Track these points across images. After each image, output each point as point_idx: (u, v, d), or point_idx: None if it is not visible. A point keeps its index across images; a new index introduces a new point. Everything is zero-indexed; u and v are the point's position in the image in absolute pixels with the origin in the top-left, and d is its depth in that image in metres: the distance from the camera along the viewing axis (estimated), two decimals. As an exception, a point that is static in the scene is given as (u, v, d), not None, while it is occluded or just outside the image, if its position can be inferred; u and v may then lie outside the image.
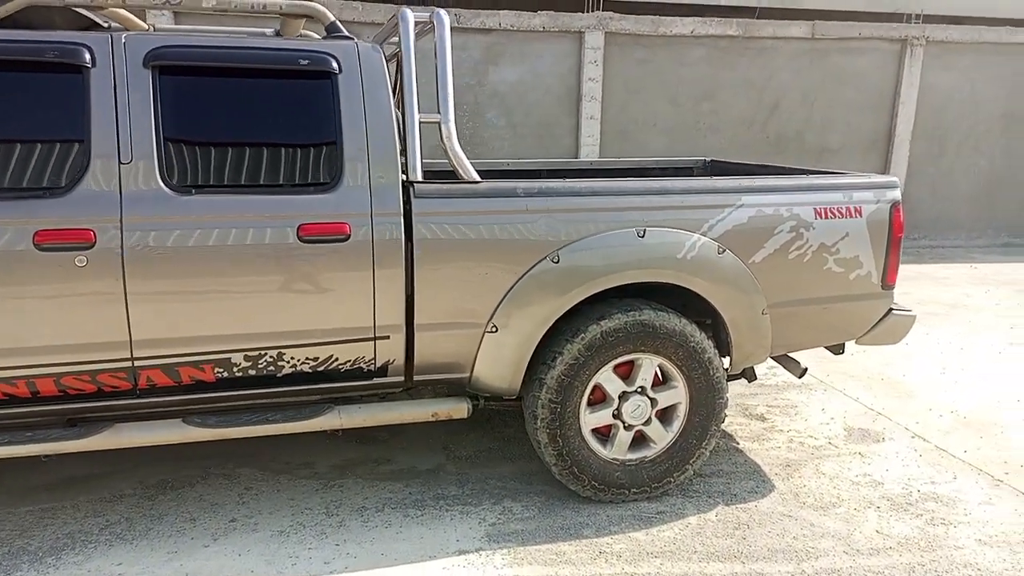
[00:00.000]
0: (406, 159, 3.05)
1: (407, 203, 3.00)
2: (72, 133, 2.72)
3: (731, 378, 3.85)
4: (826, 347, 3.88)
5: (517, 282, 3.11)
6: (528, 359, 3.20)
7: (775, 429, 4.29)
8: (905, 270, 8.78)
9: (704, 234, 3.27)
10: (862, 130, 10.18)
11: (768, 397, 4.78)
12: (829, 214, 3.44)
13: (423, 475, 3.65)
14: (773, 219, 3.36)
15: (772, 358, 3.89)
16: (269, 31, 3.63)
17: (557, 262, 3.12)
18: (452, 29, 8.60)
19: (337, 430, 3.11)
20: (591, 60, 9.12)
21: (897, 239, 3.54)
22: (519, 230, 3.09)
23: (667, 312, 3.29)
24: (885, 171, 10.26)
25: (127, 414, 3.00)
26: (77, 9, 3.21)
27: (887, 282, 3.58)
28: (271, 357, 2.97)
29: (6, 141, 2.69)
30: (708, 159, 5.19)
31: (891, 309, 3.67)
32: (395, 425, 3.77)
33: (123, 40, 2.79)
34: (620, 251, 3.17)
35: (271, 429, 3.01)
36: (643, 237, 3.19)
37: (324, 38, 3.12)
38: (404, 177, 3.04)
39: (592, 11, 9.11)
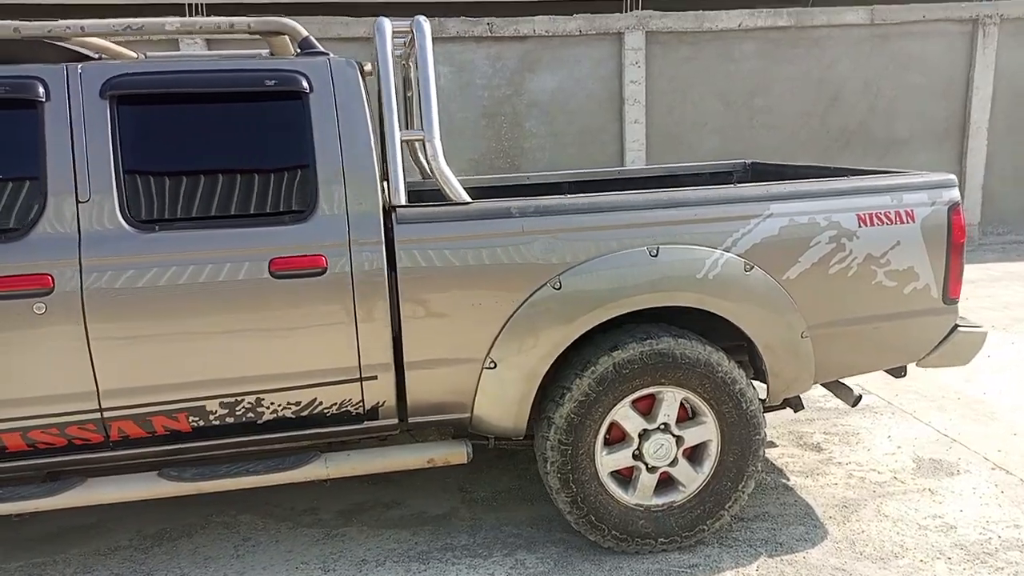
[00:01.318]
0: (387, 182, 2.78)
1: (389, 230, 2.73)
2: (26, 171, 2.55)
3: (771, 409, 3.44)
4: (885, 371, 3.44)
5: (515, 312, 2.79)
6: (532, 396, 2.88)
7: (832, 461, 3.84)
8: (989, 269, 8.07)
9: (728, 249, 2.89)
10: (933, 118, 9.46)
11: (826, 423, 4.32)
12: (875, 220, 3.01)
13: (433, 521, 3.36)
14: (809, 229, 2.95)
15: (822, 385, 3.47)
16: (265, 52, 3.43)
17: (559, 288, 2.79)
18: (484, 39, 8.41)
19: (324, 480, 2.85)
20: (632, 62, 8.74)
21: (958, 245, 3.08)
22: (515, 254, 2.78)
23: (689, 339, 2.92)
24: (962, 161, 9.51)
25: (105, 467, 2.81)
26: (61, 44, 3.07)
27: (949, 295, 3.12)
28: (249, 403, 2.73)
29: (-41, 184, 2.54)
30: (749, 162, 4.77)
31: (956, 325, 3.20)
32: None
33: (79, 71, 2.61)
34: (630, 273, 2.82)
35: (251, 481, 2.77)
36: (656, 256, 2.84)
37: (297, 55, 2.88)
38: (386, 202, 2.78)
39: (631, 10, 8.73)
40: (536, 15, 8.52)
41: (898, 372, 3.42)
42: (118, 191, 2.58)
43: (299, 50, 2.90)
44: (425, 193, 4.21)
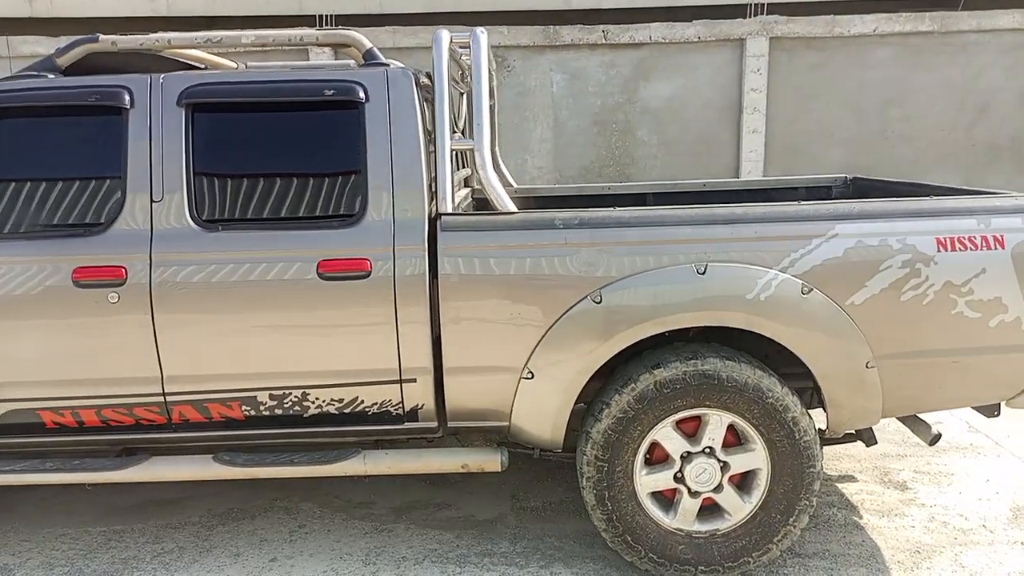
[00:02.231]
0: (435, 190, 2.84)
1: (432, 237, 2.79)
2: (111, 172, 2.81)
3: (837, 442, 3.23)
4: (974, 408, 3.14)
5: (554, 324, 2.77)
6: (569, 409, 2.85)
7: (915, 503, 3.55)
8: None
9: (784, 270, 2.74)
10: (1101, 133, 8.51)
11: (919, 460, 3.99)
12: (958, 245, 2.75)
13: (479, 526, 3.39)
14: (879, 252, 2.75)
15: (899, 419, 3.22)
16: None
17: (599, 302, 2.75)
18: (599, 46, 8.37)
19: (363, 476, 2.94)
20: (753, 69, 8.40)
21: (1057, 276, 2.76)
22: (556, 265, 2.76)
23: (738, 362, 2.79)
24: None
25: (169, 447, 3.04)
26: (167, 56, 3.36)
27: (1044, 331, 2.81)
28: (296, 397, 2.87)
29: (54, 180, 2.82)
30: (851, 177, 4.48)
31: (1054, 364, 2.87)
32: None
33: (161, 81, 2.84)
34: (674, 290, 2.73)
35: (294, 471, 2.91)
36: (703, 274, 2.73)
37: (361, 66, 3.00)
38: (432, 210, 2.84)
39: (754, 16, 8.41)
40: (652, 22, 8.38)
41: (990, 411, 3.11)
42: (188, 192, 2.79)
43: (363, 61, 3.02)
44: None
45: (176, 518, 3.52)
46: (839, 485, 3.73)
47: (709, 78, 8.57)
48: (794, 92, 8.59)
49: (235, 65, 3.83)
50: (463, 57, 3.70)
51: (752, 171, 8.55)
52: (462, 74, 4.10)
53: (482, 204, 4.37)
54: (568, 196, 4.41)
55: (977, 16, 8.32)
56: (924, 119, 8.60)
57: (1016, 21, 8.28)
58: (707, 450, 2.87)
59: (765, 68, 8.45)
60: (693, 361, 2.79)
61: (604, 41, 8.39)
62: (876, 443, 3.21)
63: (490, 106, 4.41)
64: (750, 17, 8.44)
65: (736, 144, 8.61)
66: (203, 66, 3.68)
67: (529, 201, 4.44)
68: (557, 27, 8.34)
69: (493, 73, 4.30)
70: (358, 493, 3.70)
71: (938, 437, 3.04)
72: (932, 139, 8.63)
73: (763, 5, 8.42)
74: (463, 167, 4.22)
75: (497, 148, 4.54)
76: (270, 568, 3.10)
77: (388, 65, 2.95)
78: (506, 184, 4.54)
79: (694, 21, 8.37)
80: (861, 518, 3.42)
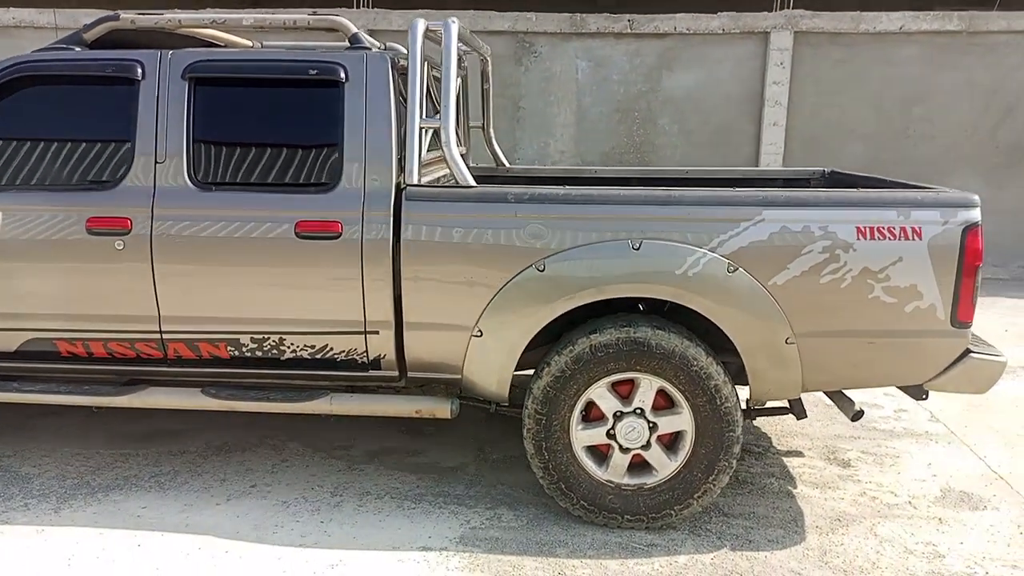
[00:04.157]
0: (403, 162, 3.16)
1: (398, 206, 3.12)
2: (123, 135, 3.20)
3: (767, 413, 3.49)
4: (901, 390, 3.36)
5: (502, 288, 3.09)
6: (513, 366, 3.17)
7: (852, 479, 3.77)
8: None
9: (712, 249, 3.00)
10: None
11: (870, 442, 4.20)
12: (877, 234, 2.98)
13: (442, 471, 3.74)
14: (801, 237, 2.99)
15: (826, 394, 3.46)
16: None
17: (543, 270, 3.05)
18: (624, 35, 8.57)
19: (335, 415, 3.31)
20: (777, 62, 8.51)
21: (971, 268, 2.97)
22: (506, 236, 3.07)
23: (668, 331, 3.07)
24: None
25: (166, 380, 3.45)
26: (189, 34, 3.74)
27: (958, 318, 3.01)
28: (274, 341, 3.25)
29: (76, 140, 3.23)
30: (828, 170, 4.66)
31: (968, 350, 3.07)
32: (440, 420, 3.86)
33: (169, 56, 3.22)
34: (609, 263, 3.02)
35: (269, 407, 3.30)
36: (638, 249, 3.01)
37: (346, 49, 3.33)
38: (401, 181, 3.16)
39: (779, 9, 8.50)
40: (678, 12, 8.54)
41: (917, 394, 3.32)
42: (187, 155, 3.18)
43: (349, 44, 3.35)
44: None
45: (176, 447, 3.95)
46: (785, 459, 3.97)
47: (732, 70, 8.70)
48: (817, 87, 8.67)
49: (250, 44, 4.20)
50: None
51: (771, 164, 8.67)
52: (460, 60, 4.42)
53: (478, 179, 4.71)
54: (556, 177, 4.69)
55: (1008, 17, 8.28)
56: (947, 119, 8.60)
57: (1048, 23, 8.20)
58: (638, 411, 3.15)
59: (788, 62, 8.55)
60: (627, 328, 3.07)
61: (629, 30, 8.58)
62: (806, 416, 3.46)
63: (484, 90, 4.74)
64: (775, 11, 8.53)
65: (756, 136, 8.74)
66: (222, 44, 4.06)
67: (521, 180, 4.74)
68: (584, 15, 8.56)
69: (488, 59, 4.59)
70: (340, 437, 4.08)
71: (860, 414, 3.27)
72: (955, 139, 8.63)
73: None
74: (460, 145, 4.55)
75: (492, 130, 4.84)
76: (249, 492, 3.50)
77: (369, 49, 3.28)
78: (499, 163, 4.86)
79: (719, 13, 8.50)
80: (796, 488, 3.66)
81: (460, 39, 3.79)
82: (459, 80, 4.39)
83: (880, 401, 4.71)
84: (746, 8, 8.54)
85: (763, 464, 3.89)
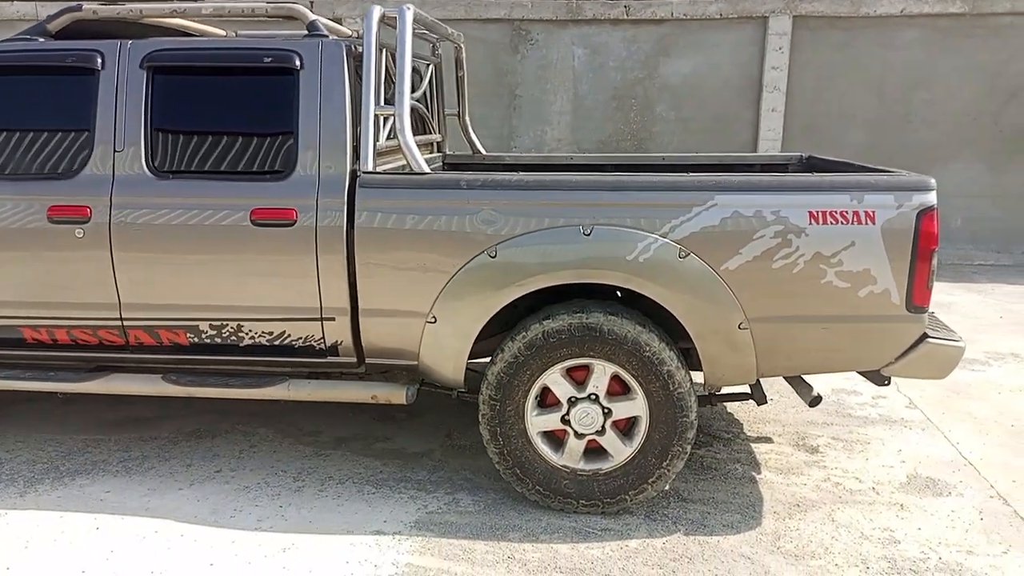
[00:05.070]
0: (358, 150, 3.17)
1: (352, 193, 3.13)
2: (82, 124, 3.24)
3: (728, 398, 3.48)
4: (862, 375, 3.34)
5: (455, 274, 3.09)
6: (467, 352, 3.18)
7: (818, 464, 3.75)
8: None
9: (664, 235, 2.99)
10: None
11: (841, 428, 4.17)
12: (829, 219, 2.95)
13: (406, 457, 3.77)
14: (753, 222, 2.97)
15: (785, 379, 3.44)
16: None
17: (494, 256, 3.05)
18: (621, 21, 8.50)
19: (294, 400, 3.34)
20: (776, 47, 8.41)
21: (926, 252, 2.93)
22: (459, 223, 3.08)
23: (621, 317, 3.06)
24: None
25: (130, 367, 3.49)
26: (158, 23, 3.76)
27: (914, 303, 2.98)
28: (232, 328, 3.28)
29: (39, 130, 3.28)
30: (806, 155, 4.61)
31: (925, 335, 3.04)
32: (412, 407, 3.87)
33: (128, 46, 3.25)
34: (559, 249, 3.02)
35: (229, 392, 3.33)
36: (589, 235, 3.00)
37: (304, 37, 3.34)
38: (354, 168, 3.17)
39: (777, -6, 8.39)
40: (674, -2, 8.47)
41: (879, 380, 3.29)
42: (145, 144, 3.21)
43: (306, 32, 3.36)
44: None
45: (148, 433, 4.01)
46: (754, 445, 3.96)
47: (730, 55, 8.62)
48: (816, 72, 8.57)
49: (224, 33, 4.22)
50: (421, 31, 4.00)
51: (770, 150, 8.59)
52: (434, 48, 4.43)
53: (453, 166, 4.72)
54: (529, 165, 4.68)
55: (1012, -2, 8.12)
56: (950, 103, 8.47)
57: (1053, 4, 8.04)
58: (592, 396, 3.15)
59: (787, 47, 8.46)
60: (579, 315, 3.07)
61: (626, 16, 8.53)
62: (767, 402, 3.44)
63: (458, 77, 4.74)
64: (773, -5, 8.43)
65: (755, 123, 8.66)
66: (197, 36, 4.08)
67: (496, 168, 4.73)
68: (580, 2, 8.51)
69: (461, 46, 4.58)
70: (310, 424, 4.12)
71: (818, 399, 3.26)
72: (957, 124, 8.50)
73: (786, -17, 8.39)
74: (432, 132, 4.56)
75: (467, 117, 4.84)
76: (213, 477, 3.55)
77: (327, 36, 3.28)
78: (475, 151, 4.86)
79: (715, -2, 8.42)
80: (760, 474, 3.65)
81: (424, 26, 3.82)
82: (430, 68, 4.41)
83: (860, 388, 4.68)
84: (743, -8, 8.44)
85: (730, 450, 3.88)
